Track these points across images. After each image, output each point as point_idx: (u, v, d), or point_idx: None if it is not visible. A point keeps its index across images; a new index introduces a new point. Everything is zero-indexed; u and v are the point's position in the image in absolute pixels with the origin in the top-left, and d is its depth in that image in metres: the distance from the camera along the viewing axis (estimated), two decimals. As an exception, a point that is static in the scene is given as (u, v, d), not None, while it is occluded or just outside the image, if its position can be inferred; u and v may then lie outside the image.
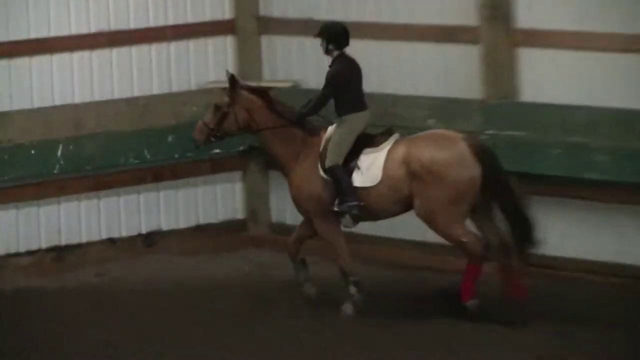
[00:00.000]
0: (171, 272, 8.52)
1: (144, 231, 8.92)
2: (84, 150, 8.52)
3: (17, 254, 8.49)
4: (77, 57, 8.67)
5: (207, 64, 9.12)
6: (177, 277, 8.39)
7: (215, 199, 9.42)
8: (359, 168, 7.12)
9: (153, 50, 8.96)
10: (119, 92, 8.76)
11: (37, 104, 8.46)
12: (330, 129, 7.25)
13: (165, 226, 8.97)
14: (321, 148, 7.26)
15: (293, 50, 9.23)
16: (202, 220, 9.20)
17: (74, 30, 8.60)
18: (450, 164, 6.92)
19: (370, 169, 7.13)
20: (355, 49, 7.37)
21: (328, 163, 7.10)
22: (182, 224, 9.04)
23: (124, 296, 7.88)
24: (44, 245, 8.58)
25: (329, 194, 7.15)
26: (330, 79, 7.16)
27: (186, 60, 9.08)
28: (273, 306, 7.45)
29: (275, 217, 9.52)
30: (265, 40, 9.42)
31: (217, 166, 9.28)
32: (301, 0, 9.04)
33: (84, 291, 8.10)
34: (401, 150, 7.04)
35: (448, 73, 8.31)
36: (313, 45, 7.87)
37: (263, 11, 9.33)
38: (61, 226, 8.56)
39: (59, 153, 8.45)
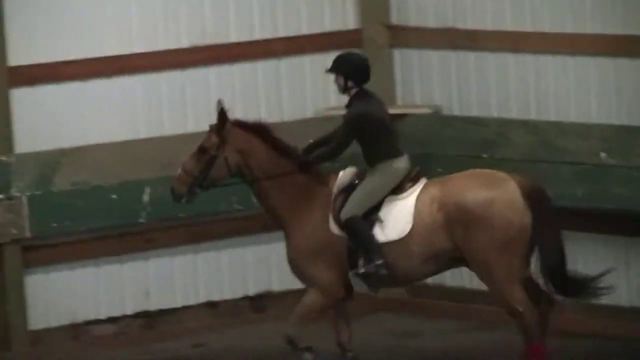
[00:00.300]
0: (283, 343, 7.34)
1: (251, 293, 7.90)
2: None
3: (97, 322, 7.60)
4: (166, 77, 7.67)
5: (327, 85, 7.76)
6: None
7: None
8: (381, 220, 6.27)
9: (259, 68, 7.95)
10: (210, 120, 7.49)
11: (117, 136, 7.50)
12: (342, 174, 6.38)
13: (276, 287, 7.87)
14: (332, 198, 6.39)
15: (433, 67, 8.23)
16: None
17: (162, 46, 7.58)
18: (497, 206, 6.14)
19: (396, 218, 6.30)
20: (508, 63, 7.08)
21: (346, 215, 6.19)
22: (297, 285, 7.66)
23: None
24: (129, 311, 7.66)
25: (342, 254, 6.30)
26: (354, 120, 6.26)
27: (300, 80, 7.97)
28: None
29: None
30: (398, 54, 8.51)
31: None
32: (443, 5, 8.02)
33: None
34: (434, 193, 6.26)
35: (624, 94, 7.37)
36: (459, 60, 7.31)
37: (396, 19, 8.37)
38: (150, 287, 7.63)
39: (146, 197, 7.58)
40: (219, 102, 6.31)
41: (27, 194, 7.17)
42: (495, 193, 6.19)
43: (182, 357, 7.45)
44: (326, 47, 8.04)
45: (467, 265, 6.30)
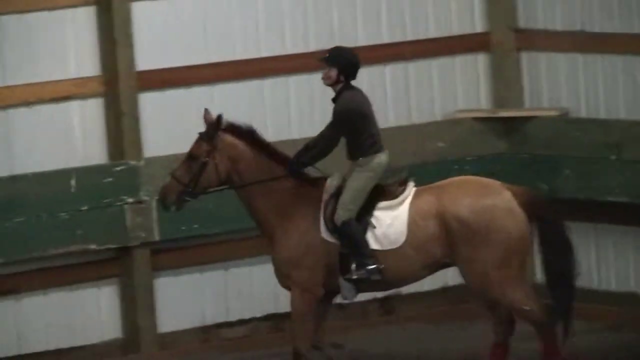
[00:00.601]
0: (413, 344, 7.56)
1: (380, 296, 7.69)
2: None
3: (227, 324, 7.62)
4: (294, 80, 7.69)
5: (455, 88, 7.95)
6: (421, 350, 7.53)
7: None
8: (374, 227, 6.20)
9: (387, 71, 7.89)
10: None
11: None
12: (331, 179, 6.29)
13: (405, 289, 7.65)
14: (323, 202, 6.27)
15: (561, 70, 8.13)
16: (451, 282, 8.01)
17: (289, 49, 7.64)
18: (497, 217, 6.08)
19: (390, 227, 6.21)
20: (636, 65, 7.03)
21: (340, 218, 6.09)
22: (426, 286, 7.81)
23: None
24: (258, 313, 7.67)
25: (332, 260, 6.20)
26: (344, 115, 6.18)
27: (428, 83, 7.91)
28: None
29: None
30: (526, 57, 8.36)
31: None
32: (571, 8, 7.93)
33: None
34: (430, 202, 6.19)
35: None
36: (586, 63, 7.27)
37: (524, 22, 8.27)
38: (279, 290, 7.18)
39: None
40: (206, 110, 6.31)
41: (156, 197, 7.03)
42: (493, 203, 6.14)
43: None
44: (454, 51, 8.07)
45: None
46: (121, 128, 7.33)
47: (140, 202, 7.30)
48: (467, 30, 8.21)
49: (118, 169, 7.27)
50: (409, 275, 6.35)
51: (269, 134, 7.19)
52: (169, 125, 7.53)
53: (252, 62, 7.58)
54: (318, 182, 6.32)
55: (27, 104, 7.15)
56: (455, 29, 8.16)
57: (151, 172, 7.32)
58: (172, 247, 7.52)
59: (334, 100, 6.24)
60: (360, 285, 6.20)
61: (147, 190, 7.26)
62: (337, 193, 6.18)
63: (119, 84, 7.23)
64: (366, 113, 6.25)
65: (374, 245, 6.15)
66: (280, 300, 7.49)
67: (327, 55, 6.30)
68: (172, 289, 7.47)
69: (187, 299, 7.30)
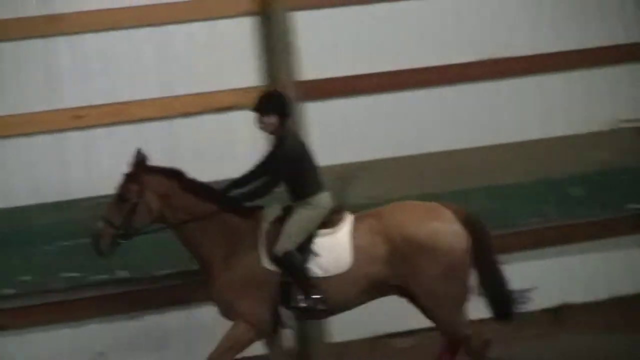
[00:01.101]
0: (584, 354, 7.49)
1: (548, 305, 7.81)
2: (469, 206, 7.23)
3: (397, 334, 7.66)
4: (455, 91, 7.80)
5: (618, 97, 7.99)
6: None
7: (635, 264, 8.26)
8: (316, 255, 6.18)
9: (549, 81, 7.90)
10: (506, 134, 7.76)
11: (409, 149, 7.62)
12: (269, 210, 6.31)
13: (573, 298, 7.79)
14: (263, 232, 6.27)
15: None
16: (620, 291, 7.98)
17: (453, 59, 7.64)
18: (441, 235, 6.14)
19: (333, 253, 6.19)
20: None
21: (282, 249, 6.09)
22: (595, 295, 7.87)
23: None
24: (428, 324, 7.07)
25: (274, 289, 6.17)
26: (291, 157, 6.19)
27: (591, 93, 7.92)
28: None
29: None
30: None
31: (638, 224, 8.19)
32: None
33: None
34: (374, 225, 6.20)
35: None
36: None
37: None
38: None
39: None
40: (139, 151, 6.21)
41: None
42: (438, 223, 6.16)
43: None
44: (618, 60, 8.07)
45: (406, 294, 6.22)
46: None
47: None
48: (633, 39, 8.20)
49: None
50: (353, 299, 6.32)
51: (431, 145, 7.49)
52: (335, 134, 7.51)
53: (416, 72, 7.57)
54: (252, 213, 6.29)
55: (191, 114, 7.22)
56: (621, 37, 8.14)
57: None
58: None
59: (278, 145, 6.22)
60: (305, 315, 6.23)
61: None
62: (278, 224, 6.20)
63: None
64: (309, 156, 6.27)
65: (318, 271, 6.15)
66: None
67: (262, 104, 6.22)
68: None
69: (358, 310, 7.12)
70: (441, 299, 6.11)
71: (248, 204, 6.30)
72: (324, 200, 6.26)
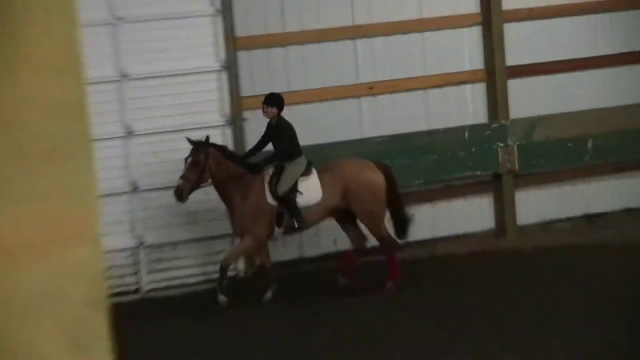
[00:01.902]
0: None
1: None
2: (609, 145, 10.77)
3: (558, 221, 11.16)
4: None
5: None
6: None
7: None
8: (301, 193, 9.08)
9: None
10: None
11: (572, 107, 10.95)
12: (268, 170, 9.21)
13: None
14: (267, 182, 9.16)
15: None
16: None
17: None
18: (376, 178, 9.29)
19: (309, 192, 9.13)
20: None
21: (282, 191, 9.06)
22: None
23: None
24: (578, 213, 11.05)
25: (273, 217, 9.13)
26: (292, 135, 9.17)
27: None
28: None
29: None
30: None
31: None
32: None
33: (610, 249, 10.04)
34: (333, 175, 9.28)
35: None
36: None
37: None
38: (590, 199, 10.97)
39: (589, 146, 10.83)
40: (207, 136, 9.05)
41: (517, 143, 10.78)
42: (370, 171, 9.30)
43: (612, 243, 10.08)
44: None
45: (349, 215, 9.29)
46: (496, 102, 10.82)
47: (507, 146, 10.75)
48: None
49: (494, 126, 10.90)
50: (319, 221, 9.35)
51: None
52: (529, 97, 10.83)
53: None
54: (260, 171, 9.18)
55: (437, 87, 10.78)
56: None
57: (515, 129, 10.88)
58: (528, 174, 10.96)
59: (275, 126, 9.11)
60: (293, 232, 9.32)
61: (512, 139, 10.79)
62: (276, 175, 9.10)
63: (496, 76, 10.74)
64: (295, 133, 9.17)
65: (302, 204, 9.08)
66: (591, 205, 10.89)
67: (269, 99, 9.14)
68: (529, 201, 10.97)
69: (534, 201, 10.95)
70: (372, 214, 9.32)
71: (254, 165, 9.17)
72: (303, 160, 9.20)
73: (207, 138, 9.05)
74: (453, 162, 10.78)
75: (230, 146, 9.84)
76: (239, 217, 9.12)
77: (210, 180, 9.08)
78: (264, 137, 9.34)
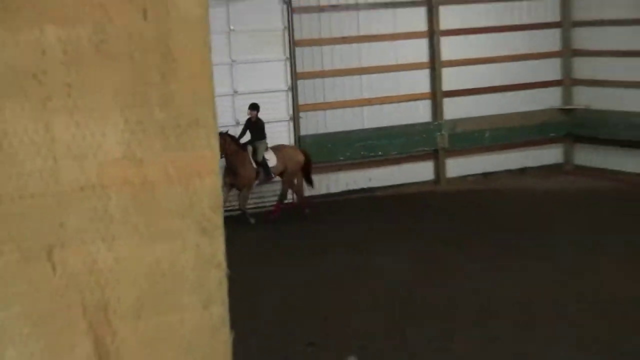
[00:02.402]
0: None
1: None
2: (500, 134, 19.67)
3: (468, 175, 20.02)
4: None
5: None
6: None
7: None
8: (267, 159, 16.66)
9: None
10: None
11: None
12: (249, 148, 16.69)
13: None
14: (250, 155, 16.52)
15: None
16: None
17: None
18: (299, 156, 17.06)
19: (271, 159, 16.75)
20: None
21: (259, 158, 16.55)
22: None
23: None
24: (479, 171, 20.14)
25: (256, 174, 16.75)
26: (262, 128, 16.92)
27: None
28: None
29: None
30: None
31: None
32: None
33: (496, 191, 19.26)
34: (279, 152, 16.91)
35: None
36: None
37: None
38: (486, 164, 20.00)
39: (486, 135, 19.76)
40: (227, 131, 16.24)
41: (446, 133, 19.56)
42: (297, 153, 17.11)
43: None
44: None
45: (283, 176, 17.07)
46: (436, 110, 20.16)
47: (441, 134, 19.82)
48: None
49: (434, 123, 19.83)
50: (275, 176, 16.81)
51: None
52: (455, 107, 19.82)
53: None
54: (246, 148, 16.45)
55: (406, 101, 20.03)
56: None
57: (445, 125, 19.73)
58: (452, 150, 20.41)
59: (254, 122, 16.67)
60: (263, 181, 17.00)
61: (444, 130, 19.84)
62: (253, 151, 16.49)
63: (437, 96, 19.65)
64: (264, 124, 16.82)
65: (270, 165, 16.62)
66: None
67: (253, 106, 16.71)
68: (453, 164, 20.17)
69: (455, 165, 20.23)
70: (293, 176, 17.06)
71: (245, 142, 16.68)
72: (265, 141, 16.67)
73: (227, 131, 16.32)
74: (413, 142, 19.62)
75: (292, 132, 18.81)
76: (242, 175, 16.44)
77: (223, 154, 15.31)
78: (245, 127, 16.90)
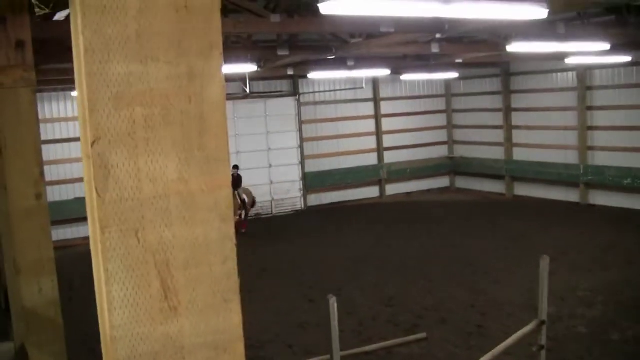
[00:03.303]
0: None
1: None
2: (418, 169, 35.11)
3: (398, 194, 35.52)
4: None
5: None
6: None
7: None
8: (244, 198, 26.06)
9: None
10: None
11: None
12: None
13: None
14: (236, 194, 25.20)
15: None
16: None
17: None
18: (249, 193, 27.05)
19: (245, 197, 26.12)
20: None
21: (242, 197, 26.16)
22: None
23: None
24: (404, 191, 35.52)
25: (239, 206, 25.95)
26: (240, 181, 26.04)
27: None
28: None
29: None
30: None
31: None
32: None
33: (417, 202, 35.02)
34: (242, 190, 26.11)
35: None
36: None
37: None
38: (411, 186, 35.46)
39: (408, 171, 35.06)
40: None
41: (386, 170, 34.68)
42: (248, 192, 26.95)
43: None
44: None
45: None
46: (379, 157, 35.71)
47: (383, 170, 35.48)
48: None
49: (379, 164, 35.50)
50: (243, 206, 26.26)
51: None
52: (392, 155, 35.73)
53: None
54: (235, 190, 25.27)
55: (363, 153, 35.71)
56: None
57: (385, 165, 35.13)
58: (389, 179, 35.98)
59: (236, 177, 25.16)
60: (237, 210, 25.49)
61: (384, 169, 35.44)
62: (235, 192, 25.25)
63: (380, 151, 35.47)
64: None
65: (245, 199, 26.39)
66: None
67: (235, 167, 25.55)
68: (390, 187, 36.04)
69: (392, 188, 35.97)
70: (246, 205, 26.66)
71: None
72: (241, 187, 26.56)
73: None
74: (368, 175, 34.41)
75: (300, 171, 34.35)
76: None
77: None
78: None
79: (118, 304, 2.30)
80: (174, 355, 2.30)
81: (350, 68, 22.36)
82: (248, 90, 29.65)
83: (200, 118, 2.46)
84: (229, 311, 2.44)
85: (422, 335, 14.49)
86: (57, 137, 26.40)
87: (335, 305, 9.69)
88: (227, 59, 22.86)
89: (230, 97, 29.95)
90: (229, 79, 29.53)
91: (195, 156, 2.46)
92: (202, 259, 2.51)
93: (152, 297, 2.36)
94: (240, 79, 29.02)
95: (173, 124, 2.36)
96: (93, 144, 2.27)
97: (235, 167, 25.74)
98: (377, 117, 33.85)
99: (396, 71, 25.64)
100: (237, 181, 25.36)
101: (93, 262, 2.46)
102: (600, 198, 28.26)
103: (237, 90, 29.87)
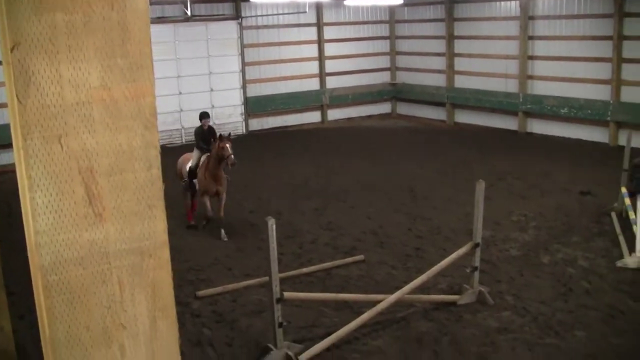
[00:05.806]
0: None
1: None
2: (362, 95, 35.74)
3: (340, 120, 35.78)
4: None
5: None
6: None
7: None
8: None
9: None
10: None
11: None
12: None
13: None
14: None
15: None
16: None
17: None
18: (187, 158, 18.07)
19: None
20: None
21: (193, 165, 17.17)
22: None
23: None
24: (345, 117, 35.78)
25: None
26: (215, 133, 16.78)
27: None
28: None
29: None
30: None
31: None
32: None
33: (361, 127, 35.14)
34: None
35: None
36: None
37: None
38: (351, 112, 35.72)
39: (350, 97, 35.35)
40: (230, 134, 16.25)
41: (328, 95, 34.86)
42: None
43: None
44: None
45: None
46: (321, 83, 35.75)
47: (325, 95, 35.46)
48: None
49: (321, 89, 35.45)
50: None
51: None
52: (336, 80, 35.71)
53: None
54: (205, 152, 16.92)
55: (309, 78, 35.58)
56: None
57: (327, 91, 35.39)
58: (331, 104, 36.14)
59: (208, 131, 16.73)
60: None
61: (326, 94, 35.36)
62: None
63: (323, 76, 35.44)
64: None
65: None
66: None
67: (203, 115, 16.93)
68: (333, 112, 36.36)
69: (334, 112, 36.23)
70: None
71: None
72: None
73: (229, 134, 16.35)
74: (310, 100, 34.40)
75: (242, 96, 34.17)
76: (224, 183, 16.44)
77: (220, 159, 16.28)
78: (201, 136, 17.04)
79: (42, 210, 2.30)
80: (99, 260, 2.32)
81: (294, -8, 22.26)
82: (189, 13, 29.23)
83: (122, 25, 2.45)
84: (154, 217, 2.46)
85: (360, 257, 14.85)
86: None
87: (274, 227, 9.82)
88: (168, -20, 22.18)
89: (170, 19, 29.85)
90: (170, 0, 29.08)
91: (117, 63, 2.46)
92: (126, 165, 2.51)
93: (76, 204, 2.36)
94: (181, 1, 28.74)
95: (95, 30, 2.39)
96: (12, 49, 2.24)
97: (205, 115, 17.46)
98: (320, 42, 33.66)
99: (340, -4, 25.51)
100: (211, 133, 17.08)
101: (17, 169, 2.44)
102: (538, 127, 29.04)
103: (178, 12, 29.29)
